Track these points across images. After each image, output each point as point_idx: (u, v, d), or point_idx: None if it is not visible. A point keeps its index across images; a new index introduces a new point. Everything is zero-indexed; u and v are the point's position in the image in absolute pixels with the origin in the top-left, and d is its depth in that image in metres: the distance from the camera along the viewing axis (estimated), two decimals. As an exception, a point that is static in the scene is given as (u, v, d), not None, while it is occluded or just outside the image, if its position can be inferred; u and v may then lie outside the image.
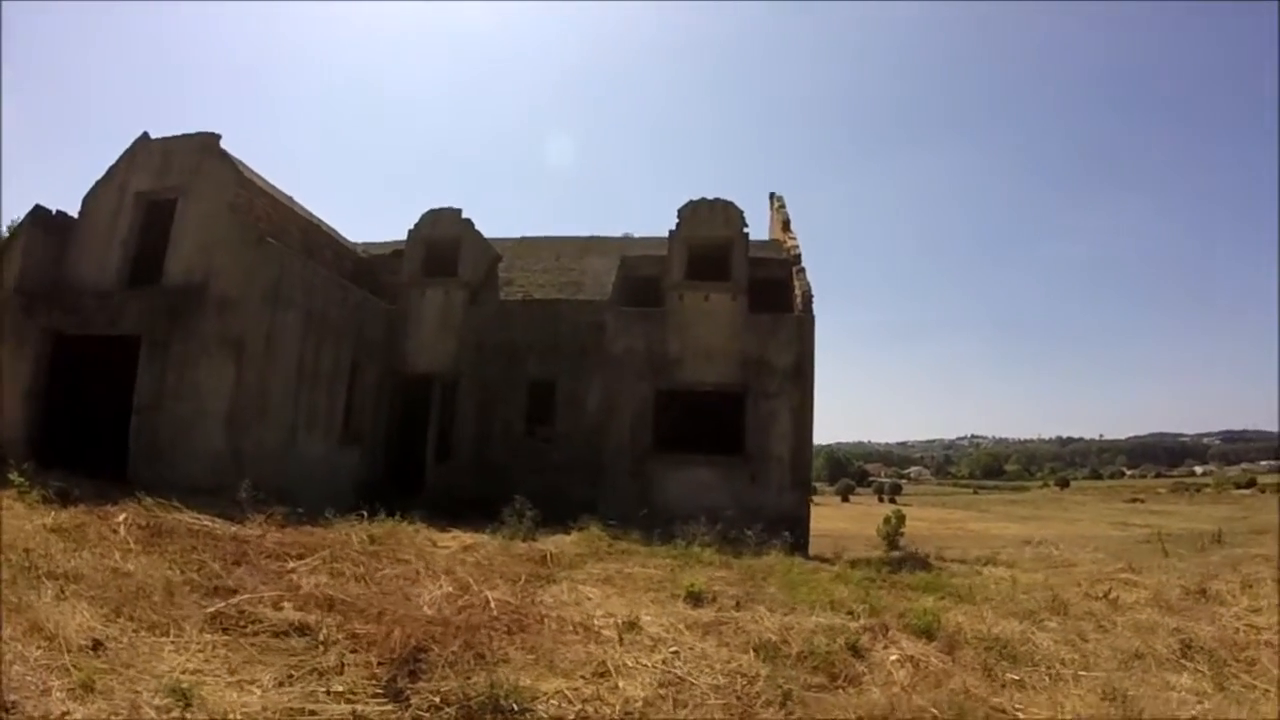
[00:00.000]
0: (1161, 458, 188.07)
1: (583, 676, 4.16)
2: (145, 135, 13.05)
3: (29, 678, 3.55)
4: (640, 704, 3.91)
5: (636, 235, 17.97)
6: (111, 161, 12.99)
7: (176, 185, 12.36)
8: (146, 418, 11.13)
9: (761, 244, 16.55)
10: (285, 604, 4.87)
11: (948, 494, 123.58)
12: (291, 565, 6.14)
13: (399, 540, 8.28)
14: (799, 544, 11.39)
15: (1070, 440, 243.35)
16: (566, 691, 3.88)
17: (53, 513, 7.20)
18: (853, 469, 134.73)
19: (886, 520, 53.83)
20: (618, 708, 3.82)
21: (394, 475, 14.41)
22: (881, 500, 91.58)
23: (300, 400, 11.87)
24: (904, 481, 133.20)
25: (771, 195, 19.91)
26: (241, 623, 4.59)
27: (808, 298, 14.44)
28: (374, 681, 3.87)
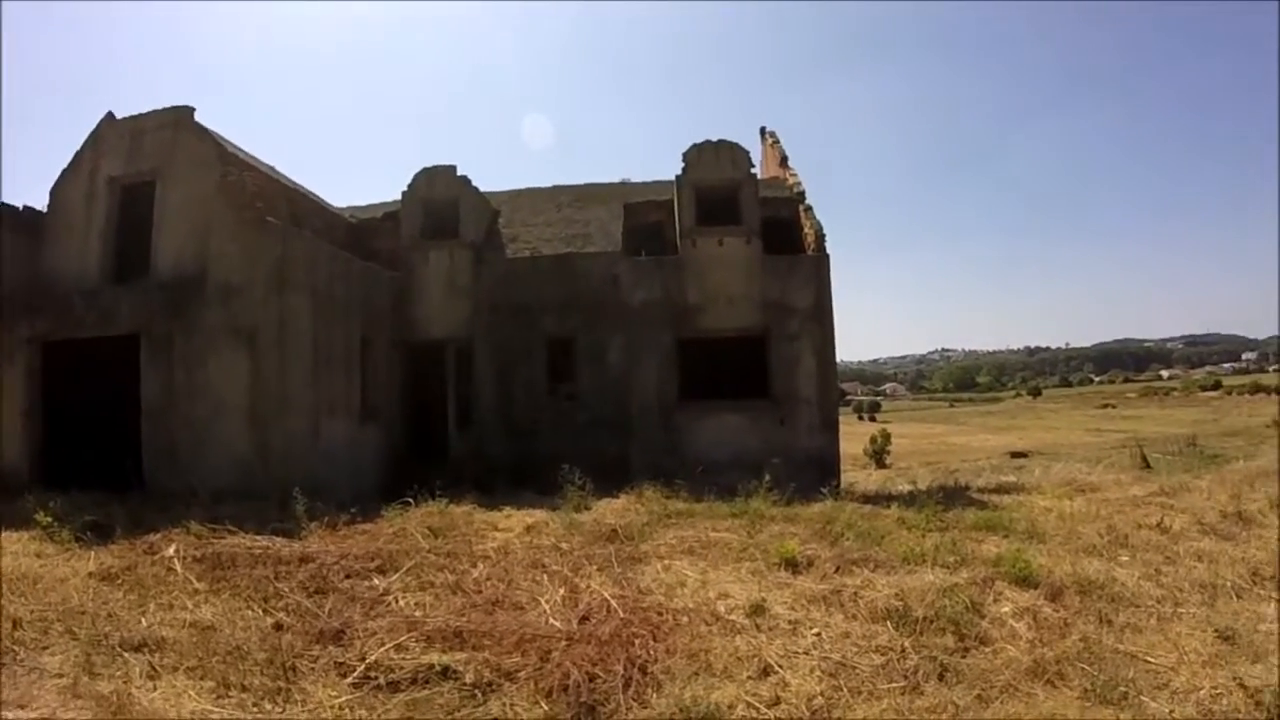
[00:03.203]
0: (1128, 363, 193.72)
1: (749, 677, 4.00)
2: (110, 115, 12.04)
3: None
4: (820, 699, 3.76)
5: (634, 180, 17.38)
6: (76, 147, 12.08)
7: (152, 167, 11.46)
8: (158, 421, 10.51)
9: (762, 183, 16.12)
10: (411, 643, 4.42)
11: (925, 408, 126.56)
12: (379, 584, 5.74)
13: (458, 529, 8.02)
14: (835, 484, 11.39)
15: (1038, 350, 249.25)
16: (747, 699, 3.71)
17: (92, 553, 6.54)
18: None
19: (873, 439, 55.04)
20: (804, 707, 3.67)
21: (415, 448, 14.06)
22: (861, 419, 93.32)
23: (319, 385, 11.30)
24: (880, 399, 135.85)
25: (763, 130, 19.27)
26: (371, 674, 4.08)
27: (820, 236, 14.13)
28: (557, 725, 3.46)
